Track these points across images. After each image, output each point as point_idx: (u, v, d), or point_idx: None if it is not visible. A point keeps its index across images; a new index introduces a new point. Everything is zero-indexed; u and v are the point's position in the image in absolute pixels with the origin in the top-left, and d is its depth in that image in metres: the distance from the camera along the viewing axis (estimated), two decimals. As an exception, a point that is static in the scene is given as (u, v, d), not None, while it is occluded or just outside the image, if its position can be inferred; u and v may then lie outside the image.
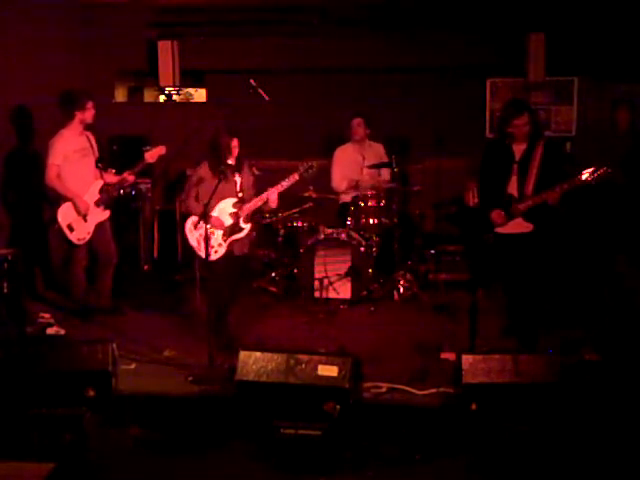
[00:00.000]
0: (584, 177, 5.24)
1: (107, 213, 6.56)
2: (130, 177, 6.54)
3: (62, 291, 6.86)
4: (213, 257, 5.77)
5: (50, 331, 6.13)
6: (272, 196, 5.83)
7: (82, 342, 5.08)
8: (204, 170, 5.85)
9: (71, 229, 6.37)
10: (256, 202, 5.85)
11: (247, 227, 5.90)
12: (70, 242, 6.41)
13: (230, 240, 5.86)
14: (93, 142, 6.56)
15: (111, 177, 6.61)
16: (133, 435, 4.63)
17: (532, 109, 5.83)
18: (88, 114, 6.40)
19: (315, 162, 5.97)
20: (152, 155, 6.46)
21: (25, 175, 7.19)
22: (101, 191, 6.48)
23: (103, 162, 6.59)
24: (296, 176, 5.89)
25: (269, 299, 7.20)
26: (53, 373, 4.72)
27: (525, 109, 5.59)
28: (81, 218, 6.38)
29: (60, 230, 6.36)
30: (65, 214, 6.35)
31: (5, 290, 5.98)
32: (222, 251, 5.85)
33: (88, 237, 6.45)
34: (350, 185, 7.57)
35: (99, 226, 6.50)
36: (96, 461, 4.29)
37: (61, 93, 6.40)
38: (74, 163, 6.38)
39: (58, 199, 6.37)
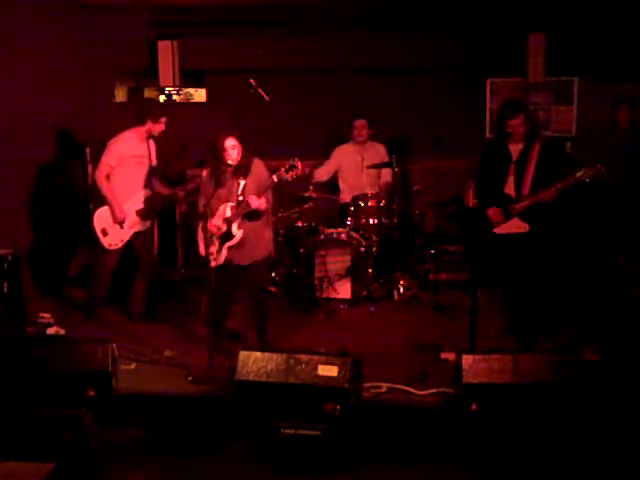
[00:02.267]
0: (578, 175, 5.25)
1: (148, 223, 6.53)
2: (180, 194, 6.52)
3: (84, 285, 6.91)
4: (212, 264, 5.52)
5: (50, 331, 6.13)
6: (251, 199, 5.43)
7: (82, 342, 5.09)
8: (205, 173, 5.70)
9: (105, 233, 6.34)
10: (243, 208, 5.47)
11: (239, 233, 5.55)
12: (101, 246, 6.38)
13: (225, 247, 5.58)
14: (153, 151, 6.49)
15: (164, 189, 6.54)
16: (133, 435, 4.63)
17: (528, 109, 5.83)
18: (158, 127, 6.38)
19: (297, 160, 5.32)
20: None
21: (56, 184, 7.33)
22: (146, 201, 6.43)
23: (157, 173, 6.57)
24: (274, 178, 5.37)
25: (269, 299, 7.18)
26: (53, 373, 4.72)
27: (520, 109, 5.59)
28: (117, 224, 6.33)
29: (93, 233, 6.33)
30: (101, 218, 6.33)
31: (5, 290, 6.00)
32: (221, 259, 5.58)
33: (121, 244, 6.39)
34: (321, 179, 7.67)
35: (140, 234, 6.45)
36: (96, 461, 4.29)
37: (144, 98, 6.36)
38: (127, 168, 6.33)
39: (99, 199, 6.34)
